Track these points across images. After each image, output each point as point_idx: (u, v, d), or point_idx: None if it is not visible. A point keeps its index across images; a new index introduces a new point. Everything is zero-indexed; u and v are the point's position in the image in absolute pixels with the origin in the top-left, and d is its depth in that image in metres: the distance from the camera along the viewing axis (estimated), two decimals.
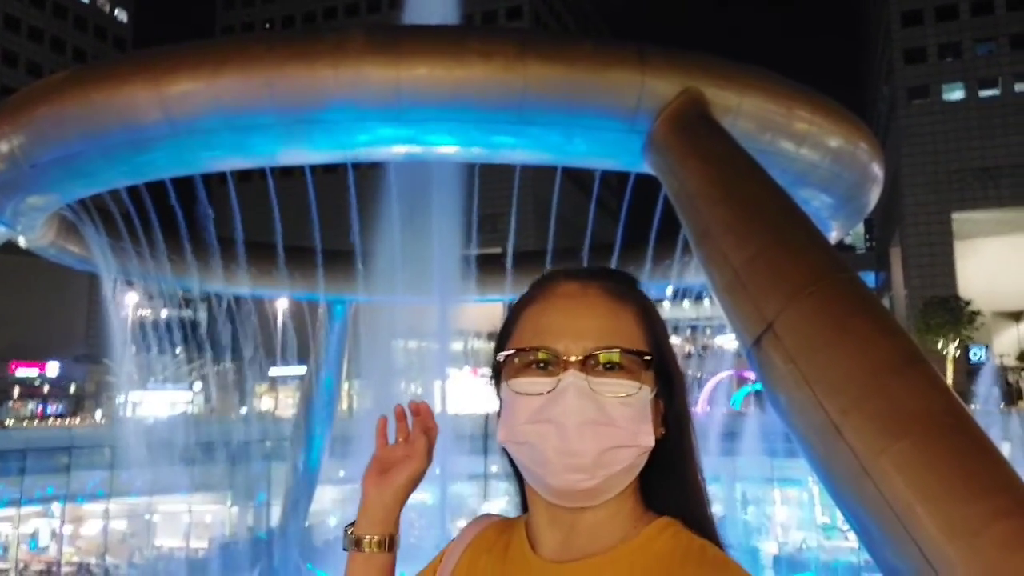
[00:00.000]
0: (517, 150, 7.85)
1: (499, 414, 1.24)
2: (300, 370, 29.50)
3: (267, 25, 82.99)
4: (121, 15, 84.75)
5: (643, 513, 1.20)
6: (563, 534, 1.19)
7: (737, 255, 6.25)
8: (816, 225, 6.76)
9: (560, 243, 14.18)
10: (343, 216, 13.19)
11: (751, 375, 39.13)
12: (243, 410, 43.75)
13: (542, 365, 1.16)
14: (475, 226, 12.89)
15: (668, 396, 1.21)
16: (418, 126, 7.23)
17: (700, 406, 34.91)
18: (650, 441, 1.16)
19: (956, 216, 61.87)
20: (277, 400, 53.81)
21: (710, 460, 18.74)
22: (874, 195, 10.37)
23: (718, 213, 6.44)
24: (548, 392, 1.13)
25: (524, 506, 1.32)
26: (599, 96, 7.04)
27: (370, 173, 12.00)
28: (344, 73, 6.51)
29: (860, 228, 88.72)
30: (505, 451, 1.25)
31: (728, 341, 52.84)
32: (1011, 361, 53.05)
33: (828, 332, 5.99)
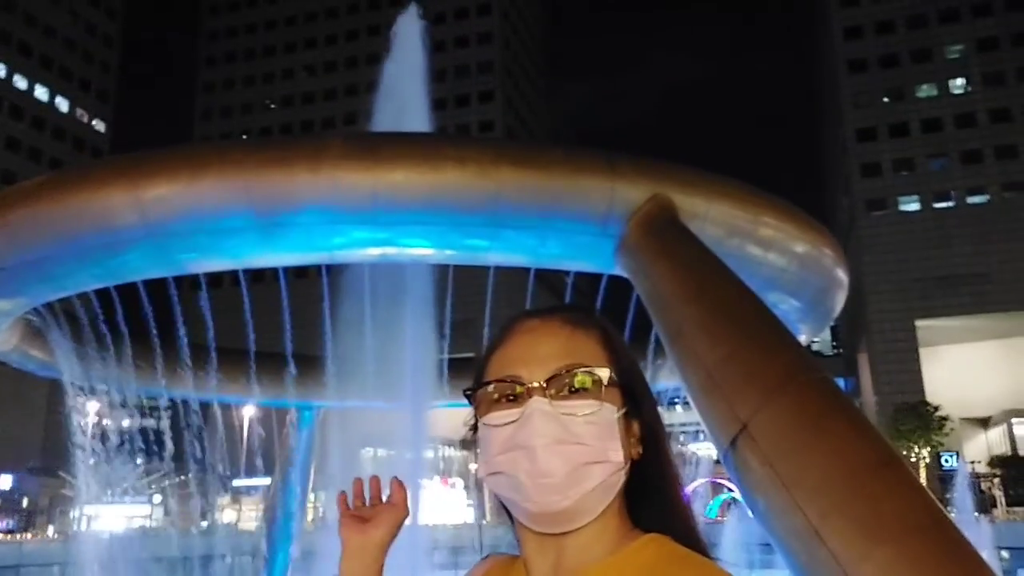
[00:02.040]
0: (491, 252, 7.96)
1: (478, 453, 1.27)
2: (264, 481, 28.62)
3: (244, 136, 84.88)
4: (99, 125, 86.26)
5: (629, 531, 1.22)
6: (552, 560, 1.21)
7: (710, 355, 6.29)
8: (786, 326, 6.86)
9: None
10: (313, 320, 13.15)
11: (726, 482, 38.66)
12: (204, 523, 42.05)
13: (511, 398, 1.20)
14: (448, 330, 12.91)
15: (638, 415, 1.24)
16: (393, 229, 7.34)
17: None
18: (619, 457, 1.18)
19: (920, 323, 63.26)
20: (240, 512, 51.89)
21: None
22: (840, 299, 10.58)
23: (690, 313, 6.52)
24: (516, 420, 1.17)
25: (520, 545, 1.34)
26: (571, 201, 7.22)
27: (341, 277, 12.05)
28: (322, 178, 6.64)
29: (827, 334, 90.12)
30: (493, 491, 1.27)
31: (702, 448, 52.45)
32: (982, 468, 53.13)
33: (804, 433, 5.97)
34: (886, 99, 69.96)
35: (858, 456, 5.65)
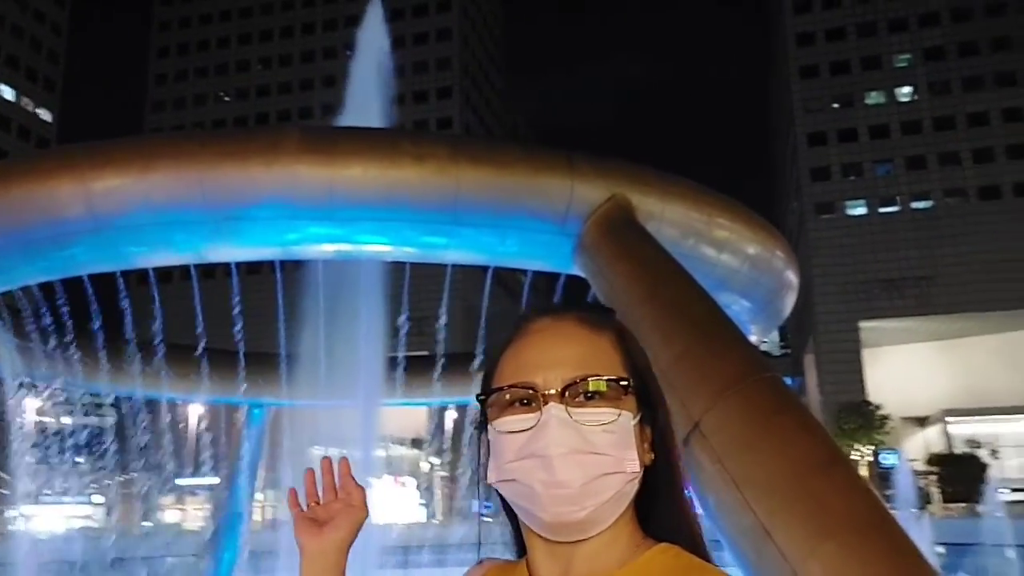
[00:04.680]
0: (450, 250, 7.95)
1: (487, 457, 1.23)
2: (210, 480, 28.13)
3: (196, 128, 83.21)
4: (45, 115, 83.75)
5: (642, 539, 1.19)
6: (562, 568, 1.18)
7: (664, 354, 6.37)
8: (739, 326, 6.98)
9: (486, 345, 14.20)
10: (265, 317, 12.96)
11: None
12: (147, 524, 41.15)
13: (524, 402, 1.16)
14: (404, 328, 12.82)
15: (652, 421, 1.21)
16: (350, 225, 7.27)
17: None
18: (635, 467, 1.15)
19: (864, 325, 64.90)
20: (185, 512, 50.92)
21: None
22: (790, 301, 10.80)
23: (645, 312, 6.59)
24: (531, 428, 1.13)
25: (519, 549, 1.30)
26: (530, 200, 7.24)
27: (295, 274, 11.91)
28: (278, 171, 6.55)
29: (775, 335, 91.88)
30: (498, 493, 1.23)
31: None
32: (919, 465, 54.73)
33: (754, 432, 6.08)
34: (836, 105, 71.60)
35: (806, 455, 5.78)
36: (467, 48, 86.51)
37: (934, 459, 54.59)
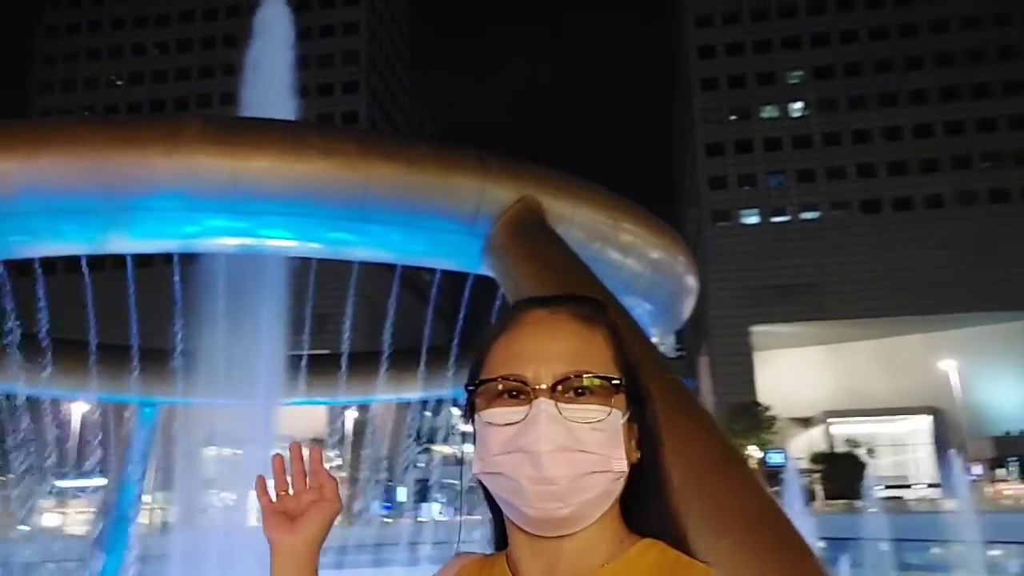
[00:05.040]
0: (356, 247, 7.83)
1: (474, 447, 1.20)
2: (95, 482, 26.75)
3: (87, 112, 78.95)
4: None
5: (626, 535, 1.19)
6: (547, 563, 1.16)
7: None
8: (643, 329, 7.14)
9: (392, 344, 14.06)
10: (158, 312, 12.40)
11: None
12: (24, 528, 38.75)
13: (513, 394, 1.14)
14: (309, 325, 12.54)
15: (641, 418, 1.20)
16: (253, 219, 7.06)
17: None
18: (623, 466, 1.14)
19: (755, 329, 67.65)
20: (67, 515, 48.22)
21: None
22: (690, 305, 11.15)
23: None
24: (519, 421, 1.11)
25: (498, 543, 1.28)
26: (440, 198, 7.21)
27: (190, 267, 11.47)
28: (178, 161, 6.29)
29: (671, 337, 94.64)
30: (481, 485, 1.21)
31: None
32: (804, 464, 57.46)
33: None
34: (734, 117, 74.38)
35: (704, 454, 5.96)
36: (374, 42, 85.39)
37: (817, 458, 57.34)
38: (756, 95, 74.31)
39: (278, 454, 1.33)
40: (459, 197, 7.22)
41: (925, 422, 60.05)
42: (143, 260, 9.52)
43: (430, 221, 7.34)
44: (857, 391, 64.39)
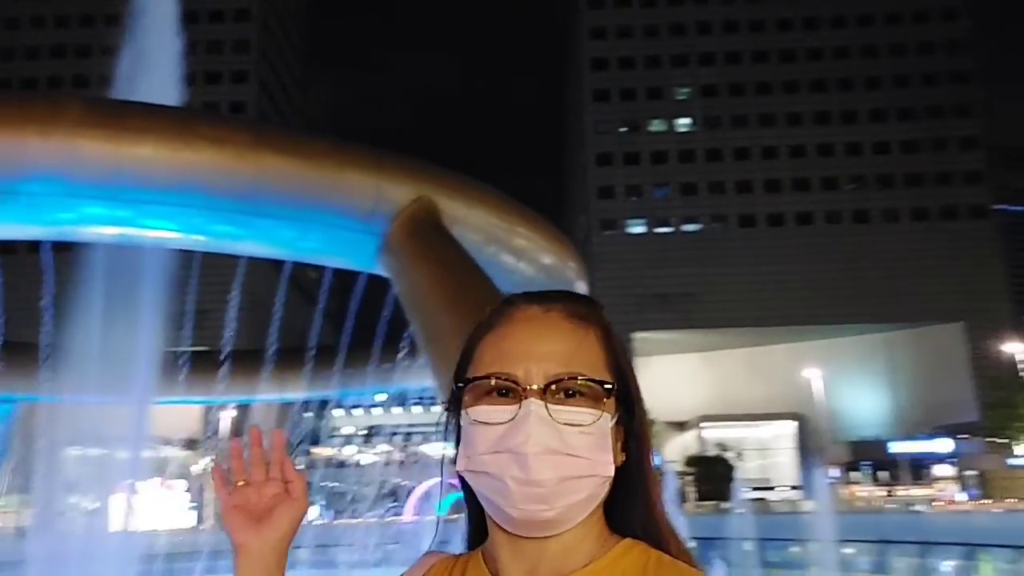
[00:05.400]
0: (245, 242, 7.59)
1: (457, 443, 1.18)
2: None
3: None
4: None
5: (608, 536, 1.18)
6: (528, 564, 1.15)
7: None
8: None
9: (277, 343, 13.67)
10: (23, 303, 11.60)
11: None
12: None
13: (503, 392, 1.12)
14: (191, 321, 12.00)
15: (629, 421, 1.19)
16: (135, 208, 6.72)
17: (408, 514, 34.62)
18: (609, 471, 1.13)
19: (637, 336, 69.76)
20: None
21: None
22: None
23: (447, 317, 6.67)
24: (508, 421, 1.10)
25: (472, 542, 1.26)
26: (335, 195, 7.09)
27: (59, 257, 10.79)
28: (56, 144, 5.91)
29: None
30: (462, 482, 1.19)
31: (436, 449, 53.49)
32: (678, 467, 59.67)
33: None
34: (623, 129, 76.55)
35: None
36: (267, 32, 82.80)
37: (690, 461, 59.62)
38: (645, 109, 76.75)
39: (235, 439, 1.27)
40: (355, 195, 7.12)
41: (790, 427, 63.47)
42: (5, 247, 8.90)
43: (324, 218, 7.20)
44: (729, 397, 67.49)
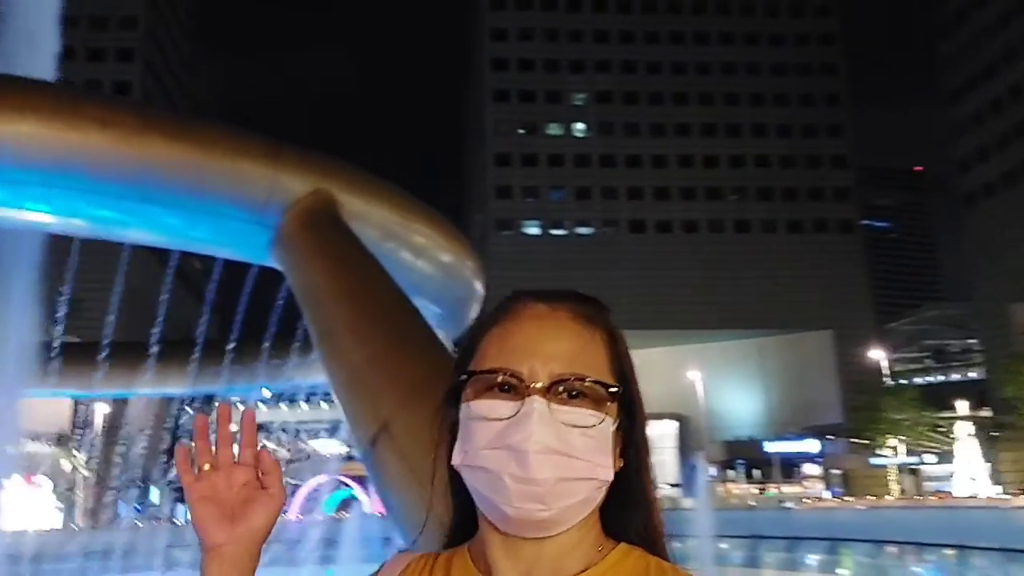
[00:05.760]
0: (129, 228, 7.25)
1: (453, 437, 1.16)
2: None
3: None
4: None
5: (604, 541, 1.18)
6: (524, 565, 1.13)
7: (358, 354, 6.41)
8: (433, 331, 7.24)
9: (159, 336, 13.08)
10: None
11: (347, 480, 39.18)
12: None
13: (505, 388, 1.10)
14: (66, 310, 11.32)
15: (629, 427, 1.18)
16: (11, 189, 6.32)
17: (293, 512, 33.82)
18: (609, 476, 1.12)
19: None
20: None
21: (307, 570, 18.12)
22: (475, 310, 11.45)
23: (342, 312, 6.59)
24: (509, 417, 1.08)
25: (454, 538, 1.23)
26: (227, 184, 6.87)
27: None
28: None
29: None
30: (452, 478, 1.18)
31: (325, 446, 52.49)
32: None
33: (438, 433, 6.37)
34: (522, 131, 77.34)
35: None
36: (155, 10, 78.98)
37: None
38: (544, 112, 77.80)
39: (200, 413, 1.16)
40: (249, 184, 6.91)
41: (671, 427, 65.68)
42: None
43: (215, 207, 6.95)
44: None
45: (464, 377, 1.14)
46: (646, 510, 1.20)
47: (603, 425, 1.12)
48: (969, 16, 71.19)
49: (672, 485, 57.25)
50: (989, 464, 48.15)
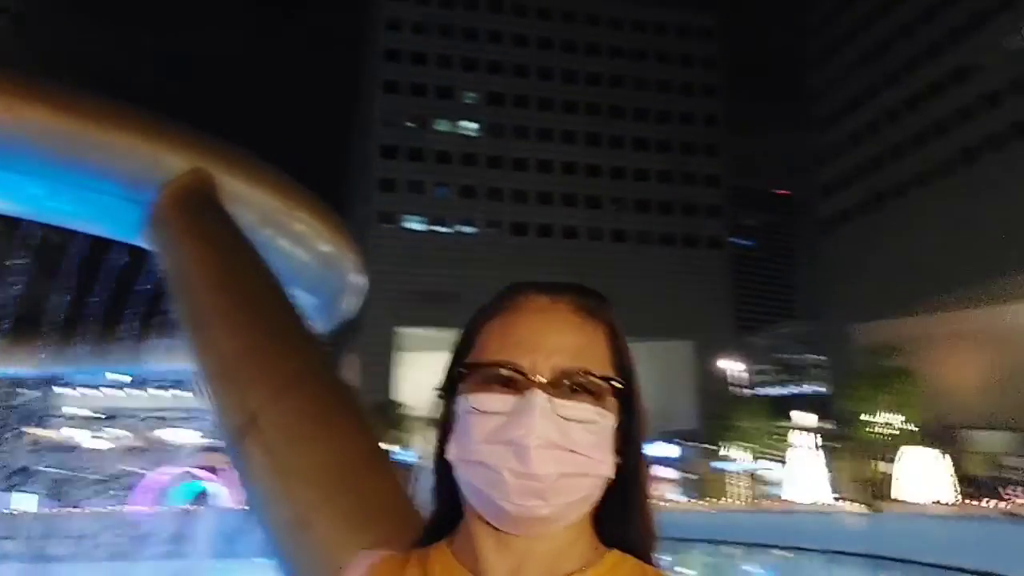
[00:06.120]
0: None
1: (445, 430, 1.14)
2: None
3: None
4: None
5: (598, 545, 1.15)
6: (516, 562, 1.10)
7: (230, 344, 6.13)
8: (309, 323, 7.03)
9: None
10: None
11: (203, 473, 37.56)
12: None
13: (505, 382, 1.07)
14: None
15: (628, 425, 1.16)
16: None
17: (140, 504, 32.16)
18: (610, 472, 1.11)
19: (402, 331, 70.18)
20: None
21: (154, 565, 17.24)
22: (353, 303, 11.21)
23: (215, 300, 6.29)
24: (510, 411, 1.05)
25: (431, 535, 1.19)
26: (99, 155, 6.43)
27: None
28: None
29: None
30: (436, 472, 1.15)
31: (181, 435, 50.19)
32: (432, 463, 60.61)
33: (310, 428, 6.19)
34: (410, 124, 76.68)
35: (354, 451, 6.06)
36: None
37: None
38: (434, 107, 77.48)
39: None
40: (122, 157, 6.48)
41: None
42: None
43: (84, 179, 6.48)
44: None
45: (463, 369, 1.14)
46: (638, 513, 1.19)
47: (605, 421, 1.11)
48: (837, 52, 76.37)
49: None
50: (829, 473, 51.64)
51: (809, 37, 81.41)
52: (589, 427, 1.09)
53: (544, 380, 1.07)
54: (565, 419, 1.07)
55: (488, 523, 1.12)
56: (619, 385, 1.13)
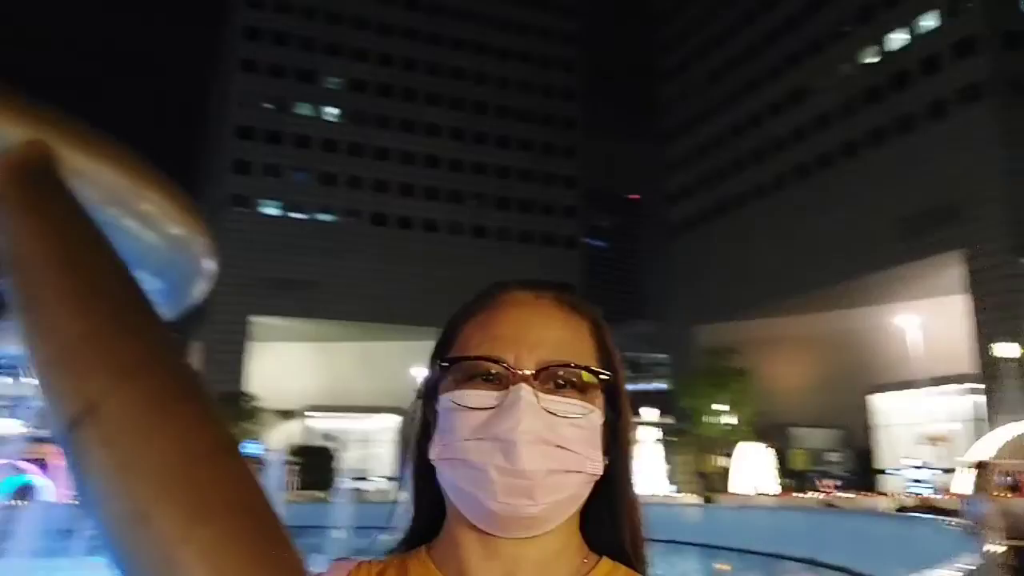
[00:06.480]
0: None
1: (427, 430, 1.09)
2: None
3: None
4: None
5: (588, 552, 1.12)
6: (504, 568, 1.06)
7: (71, 328, 5.76)
8: (157, 308, 6.76)
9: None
10: None
11: (28, 466, 34.78)
12: None
13: (489, 377, 1.04)
14: None
15: (615, 421, 1.13)
16: None
17: None
18: (598, 469, 1.07)
19: (254, 319, 67.69)
20: None
21: None
22: (202, 289, 10.78)
23: (56, 281, 5.86)
24: (494, 407, 1.02)
25: (412, 540, 1.15)
26: None
27: None
28: None
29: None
30: (416, 475, 1.12)
31: (2, 425, 46.15)
32: (285, 456, 59.00)
33: (153, 418, 5.82)
34: (269, 105, 73.88)
35: (199, 442, 5.80)
36: None
37: (295, 450, 59.37)
38: (294, 90, 75.05)
39: None
40: None
41: (392, 420, 66.51)
42: None
43: None
44: (338, 389, 68.58)
45: (445, 364, 1.09)
46: (626, 515, 1.17)
47: (592, 416, 1.08)
48: (688, 69, 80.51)
49: (389, 479, 57.81)
50: (668, 466, 54.38)
51: (664, 53, 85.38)
52: (577, 422, 1.06)
53: (529, 373, 1.04)
54: (552, 414, 1.04)
55: (474, 528, 1.06)
56: (606, 377, 1.11)
